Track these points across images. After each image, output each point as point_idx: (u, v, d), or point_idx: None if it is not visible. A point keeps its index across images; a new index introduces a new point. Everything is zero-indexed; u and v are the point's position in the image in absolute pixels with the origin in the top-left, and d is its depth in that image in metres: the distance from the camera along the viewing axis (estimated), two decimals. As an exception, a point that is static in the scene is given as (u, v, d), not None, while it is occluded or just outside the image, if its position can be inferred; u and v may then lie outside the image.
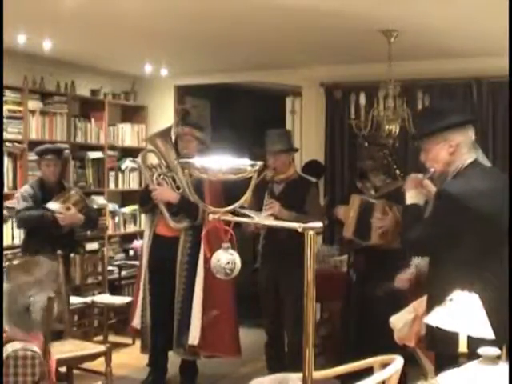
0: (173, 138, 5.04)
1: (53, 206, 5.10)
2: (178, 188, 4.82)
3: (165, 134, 4.91)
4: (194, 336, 4.73)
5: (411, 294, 4.04)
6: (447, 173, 2.95)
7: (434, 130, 2.93)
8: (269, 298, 4.91)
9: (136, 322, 4.98)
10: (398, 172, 4.69)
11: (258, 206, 4.69)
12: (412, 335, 3.49)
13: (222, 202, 4.46)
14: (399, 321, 3.57)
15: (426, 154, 3.00)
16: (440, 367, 2.46)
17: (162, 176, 4.82)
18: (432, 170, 2.99)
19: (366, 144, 4.84)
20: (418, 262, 4.21)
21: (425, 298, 3.54)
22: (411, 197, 3.08)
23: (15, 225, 5.50)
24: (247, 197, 2.09)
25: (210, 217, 2.10)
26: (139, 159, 4.95)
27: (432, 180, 3.22)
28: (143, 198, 4.99)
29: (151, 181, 4.80)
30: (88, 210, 5.38)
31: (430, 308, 2.76)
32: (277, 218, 4.53)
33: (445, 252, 2.88)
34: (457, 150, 2.91)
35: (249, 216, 4.28)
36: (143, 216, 6.00)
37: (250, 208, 4.75)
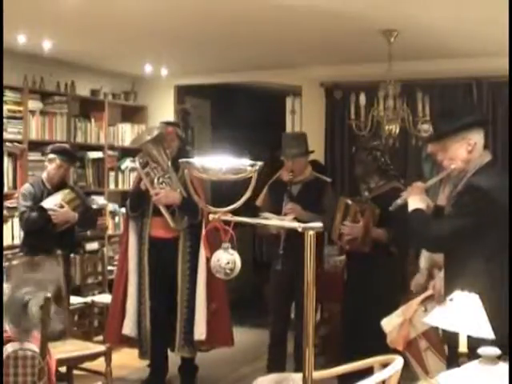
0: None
1: (47, 203, 5.08)
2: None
3: (157, 138, 4.77)
4: (200, 331, 4.78)
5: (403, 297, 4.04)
6: (465, 171, 3.01)
7: (456, 129, 2.99)
8: (282, 299, 4.91)
9: (129, 330, 4.90)
10: (392, 173, 4.66)
11: (275, 207, 4.73)
12: (400, 339, 3.51)
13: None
14: (388, 325, 3.59)
15: (444, 153, 3.07)
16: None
17: (160, 179, 4.81)
18: (453, 166, 3.04)
19: (354, 149, 4.84)
20: (426, 267, 4.16)
21: (413, 302, 3.59)
22: (415, 202, 3.12)
23: (18, 224, 5.38)
24: (247, 197, 2.09)
25: (210, 217, 2.10)
26: (137, 163, 4.88)
27: (442, 181, 3.33)
28: (136, 202, 4.91)
29: (150, 185, 4.79)
30: (84, 208, 5.32)
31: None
32: (298, 220, 4.50)
33: (467, 246, 2.89)
34: (474, 149, 3.00)
35: (266, 218, 4.31)
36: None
37: (264, 209, 4.78)
